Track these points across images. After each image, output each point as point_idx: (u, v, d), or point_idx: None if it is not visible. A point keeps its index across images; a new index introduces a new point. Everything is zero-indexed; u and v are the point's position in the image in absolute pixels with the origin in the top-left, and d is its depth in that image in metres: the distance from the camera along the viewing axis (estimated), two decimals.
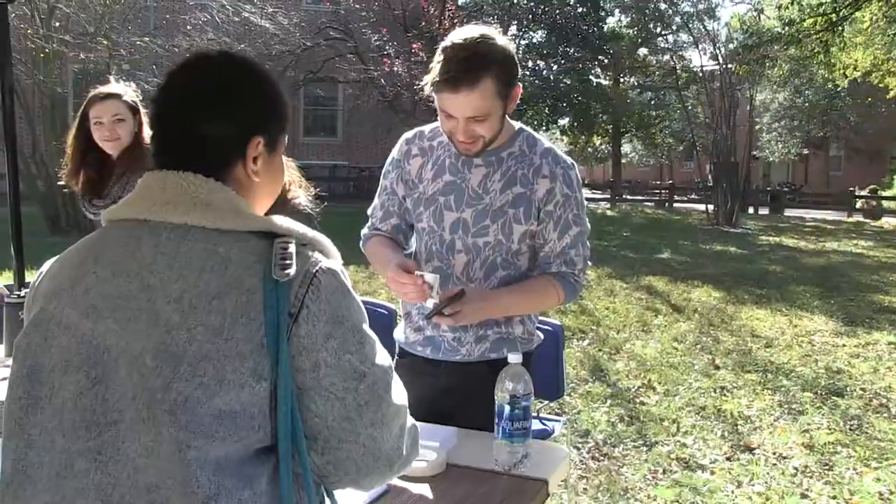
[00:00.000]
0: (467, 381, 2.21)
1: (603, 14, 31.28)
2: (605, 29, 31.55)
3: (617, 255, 12.81)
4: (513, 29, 25.51)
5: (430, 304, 2.05)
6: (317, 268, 1.22)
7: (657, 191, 33.22)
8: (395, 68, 17.77)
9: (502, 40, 2.04)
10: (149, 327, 1.13)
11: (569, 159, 2.21)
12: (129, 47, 17.03)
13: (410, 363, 2.32)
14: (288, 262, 1.18)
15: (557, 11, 27.30)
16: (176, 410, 1.09)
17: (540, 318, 3.07)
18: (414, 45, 18.60)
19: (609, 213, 23.80)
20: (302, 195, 2.73)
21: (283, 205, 2.63)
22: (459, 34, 2.03)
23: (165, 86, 1.28)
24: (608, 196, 28.79)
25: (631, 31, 34.37)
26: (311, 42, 19.93)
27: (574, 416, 4.88)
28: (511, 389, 1.86)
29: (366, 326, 1.26)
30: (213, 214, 1.21)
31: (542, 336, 2.39)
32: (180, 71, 1.29)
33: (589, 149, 41.81)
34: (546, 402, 3.36)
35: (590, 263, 2.29)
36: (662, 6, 32.41)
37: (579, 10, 28.81)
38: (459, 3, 22.39)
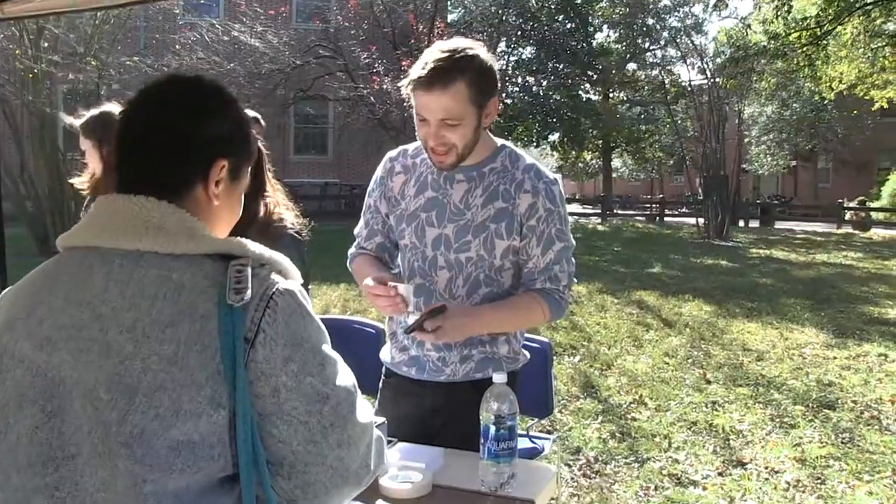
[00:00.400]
0: (452, 401, 2.20)
1: (591, 30, 31.46)
2: (594, 44, 31.70)
3: (608, 270, 12.81)
4: (502, 45, 25.62)
5: (410, 319, 2.04)
6: (274, 290, 1.19)
7: (648, 205, 33.33)
8: (385, 86, 17.77)
9: (484, 53, 2.07)
10: (101, 358, 1.10)
11: (552, 175, 2.20)
12: (118, 67, 17.04)
13: (396, 383, 2.32)
14: (242, 285, 1.16)
15: (546, 28, 27.45)
16: (132, 443, 1.06)
17: (528, 334, 3.06)
18: (403, 63, 18.59)
19: (600, 227, 23.83)
20: (288, 215, 2.71)
21: (267, 225, 2.60)
22: (443, 43, 2.07)
23: (132, 103, 1.27)
24: (599, 211, 28.83)
25: (619, 47, 34.55)
26: (300, 60, 19.98)
27: (565, 433, 4.86)
28: (496, 409, 1.85)
29: (326, 347, 1.23)
30: (165, 239, 1.18)
31: (528, 355, 2.37)
32: (148, 91, 1.27)
33: (579, 164, 41.99)
34: (535, 419, 3.34)
35: (575, 280, 2.27)
36: (650, 21, 32.66)
37: (568, 26, 28.98)
38: (448, 21, 22.50)
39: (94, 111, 3.28)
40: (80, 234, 1.23)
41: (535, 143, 32.25)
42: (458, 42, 2.06)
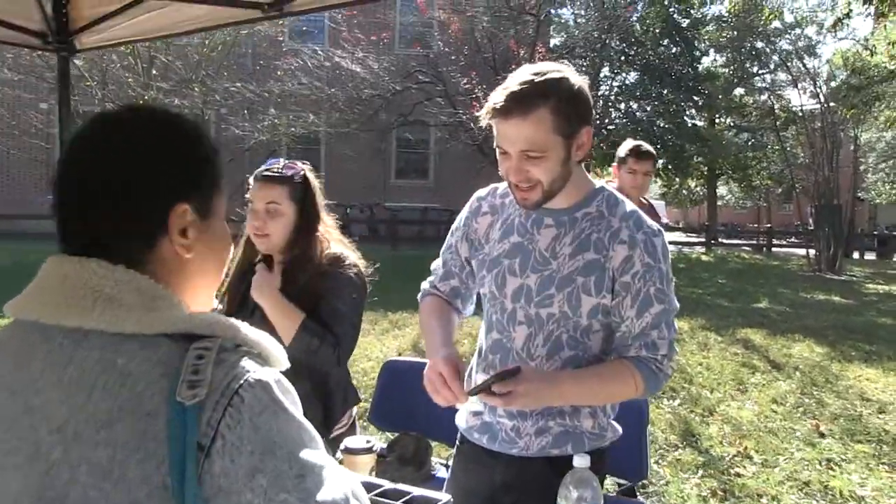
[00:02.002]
0: (525, 478, 1.94)
1: (697, 54, 30.65)
2: (700, 69, 30.87)
3: (712, 305, 12.22)
4: (605, 70, 25.20)
5: (479, 378, 1.78)
6: (241, 382, 0.94)
7: (755, 234, 32.20)
8: None
9: (573, 76, 1.81)
10: (28, 463, 0.91)
11: (655, 225, 1.92)
12: (223, 93, 17.54)
13: (469, 450, 2.08)
14: (199, 376, 0.92)
15: (650, 52, 26.89)
16: None
17: None
18: None
19: (704, 257, 23.02)
20: (350, 255, 2.51)
21: (330, 265, 2.42)
22: (526, 67, 1.82)
23: (71, 143, 1.05)
24: (703, 240, 27.92)
25: (726, 71, 33.56)
26: (400, 86, 20.09)
27: (662, 487, 4.49)
28: (576, 499, 1.58)
29: (309, 453, 0.96)
30: (113, 314, 0.96)
31: (619, 430, 2.06)
32: (86, 129, 1.06)
33: (683, 191, 41.01)
34: (626, 483, 3.03)
35: (676, 350, 1.95)
36: (759, 45, 31.57)
37: (673, 50, 28.30)
38: (550, 46, 22.27)
39: None
40: (22, 305, 1.02)
41: None
42: (543, 66, 1.81)
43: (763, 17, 20.34)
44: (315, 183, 2.53)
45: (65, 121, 3.50)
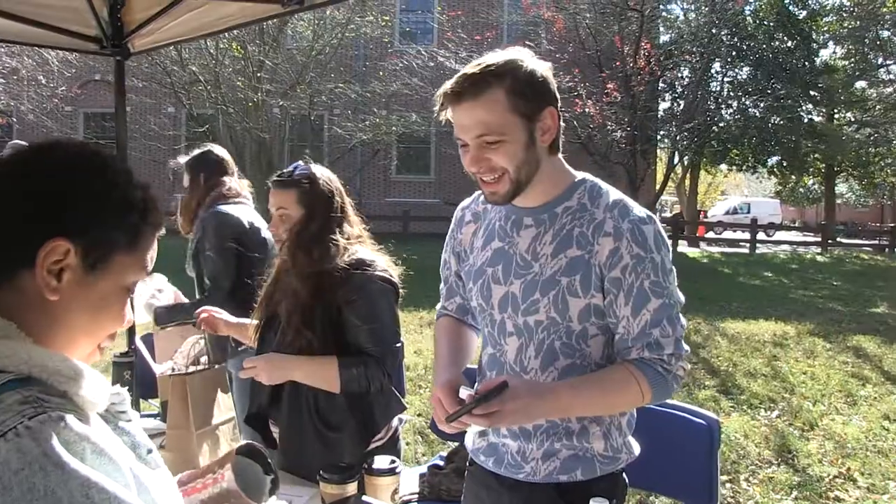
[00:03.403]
0: None
1: (815, 47, 29.35)
2: (817, 62, 29.55)
3: (822, 308, 11.68)
4: (716, 66, 24.46)
5: (464, 394, 1.67)
6: (7, 429, 0.81)
7: (876, 234, 30.60)
8: (587, 109, 17.45)
9: (530, 59, 1.71)
10: None
11: (644, 212, 1.74)
12: (328, 94, 17.98)
13: (477, 473, 1.99)
14: None
15: (764, 46, 25.92)
16: None
17: (691, 406, 2.65)
18: (608, 86, 18.23)
19: (819, 258, 22.03)
20: (380, 259, 2.45)
21: (353, 271, 2.37)
22: (486, 55, 1.72)
23: None
24: (819, 239, 26.72)
25: (847, 63, 31.99)
26: None
27: None
28: None
29: None
30: None
31: (635, 450, 1.90)
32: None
33: (800, 189, 39.43)
34: None
35: (687, 349, 1.78)
36: (885, 34, 29.97)
37: (788, 43, 27.20)
38: (658, 42, 21.76)
39: (197, 151, 3.63)
40: None
41: (751, 169, 30.61)
42: (502, 52, 1.71)
43: (890, 4, 19.29)
44: (328, 187, 2.47)
45: (121, 123, 3.75)
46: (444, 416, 1.66)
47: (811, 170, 33.35)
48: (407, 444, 5.07)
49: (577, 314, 1.73)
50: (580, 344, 1.76)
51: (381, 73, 19.46)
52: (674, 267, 1.76)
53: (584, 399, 1.72)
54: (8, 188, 0.98)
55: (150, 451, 1.05)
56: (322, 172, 2.50)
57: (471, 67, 1.67)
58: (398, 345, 2.45)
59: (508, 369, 1.82)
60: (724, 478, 4.56)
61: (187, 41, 4.01)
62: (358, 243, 2.47)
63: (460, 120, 1.68)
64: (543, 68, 1.72)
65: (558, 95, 1.74)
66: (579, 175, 1.83)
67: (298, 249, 2.41)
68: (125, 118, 3.77)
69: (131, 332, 3.75)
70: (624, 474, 1.89)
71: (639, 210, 1.75)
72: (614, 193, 1.79)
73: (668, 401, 2.36)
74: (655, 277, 1.70)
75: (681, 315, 1.76)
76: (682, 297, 1.77)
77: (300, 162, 2.54)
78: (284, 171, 2.51)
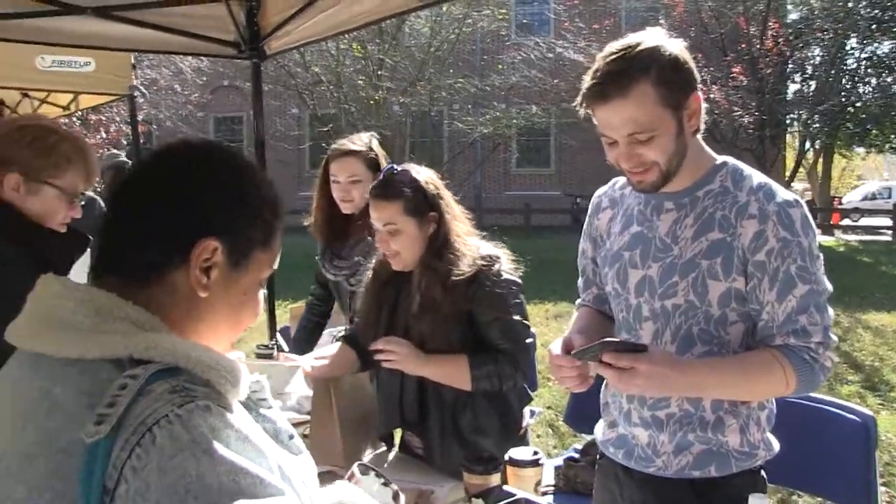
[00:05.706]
0: (661, 501, 1.78)
1: None
2: None
3: None
4: (852, 41, 23.16)
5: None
6: (159, 417, 0.83)
7: None
8: (712, 95, 16.88)
9: (668, 41, 1.63)
10: None
11: (790, 195, 1.67)
12: (448, 89, 18.12)
13: (606, 466, 1.95)
14: (109, 410, 0.82)
15: None
16: None
17: (842, 402, 2.50)
18: (734, 69, 17.56)
19: None
20: (496, 252, 2.33)
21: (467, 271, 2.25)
22: (615, 43, 1.64)
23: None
24: None
25: None
26: None
27: None
28: None
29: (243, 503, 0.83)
30: (57, 337, 0.90)
31: (775, 447, 1.81)
32: (140, 161, 1.07)
33: None
34: None
35: (835, 339, 1.68)
36: None
37: None
38: (786, 20, 20.80)
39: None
40: (12, 329, 1.00)
41: (893, 150, 28.95)
42: (633, 37, 1.63)
43: None
44: (433, 186, 2.33)
45: (259, 123, 3.88)
46: (573, 352, 1.61)
47: None
48: (538, 436, 5.04)
49: (716, 298, 1.66)
50: (718, 331, 1.69)
51: (499, 67, 19.45)
52: (821, 254, 1.66)
53: (723, 378, 1.65)
54: (161, 193, 1.02)
55: (291, 437, 1.07)
56: (422, 173, 2.35)
57: (611, 61, 1.60)
58: (529, 340, 2.38)
59: None
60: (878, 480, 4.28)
61: (319, 40, 4.09)
62: (472, 236, 2.37)
63: (608, 119, 1.63)
64: (682, 50, 1.65)
65: (698, 76, 1.67)
66: (720, 158, 1.77)
67: (434, 259, 2.27)
68: (262, 118, 3.91)
69: (272, 324, 3.85)
70: (763, 471, 1.81)
71: (785, 193, 1.67)
72: (758, 176, 1.73)
73: (812, 394, 2.23)
74: (803, 262, 1.62)
75: (827, 305, 1.67)
76: (829, 286, 1.68)
77: (391, 165, 2.39)
78: (379, 178, 2.34)
